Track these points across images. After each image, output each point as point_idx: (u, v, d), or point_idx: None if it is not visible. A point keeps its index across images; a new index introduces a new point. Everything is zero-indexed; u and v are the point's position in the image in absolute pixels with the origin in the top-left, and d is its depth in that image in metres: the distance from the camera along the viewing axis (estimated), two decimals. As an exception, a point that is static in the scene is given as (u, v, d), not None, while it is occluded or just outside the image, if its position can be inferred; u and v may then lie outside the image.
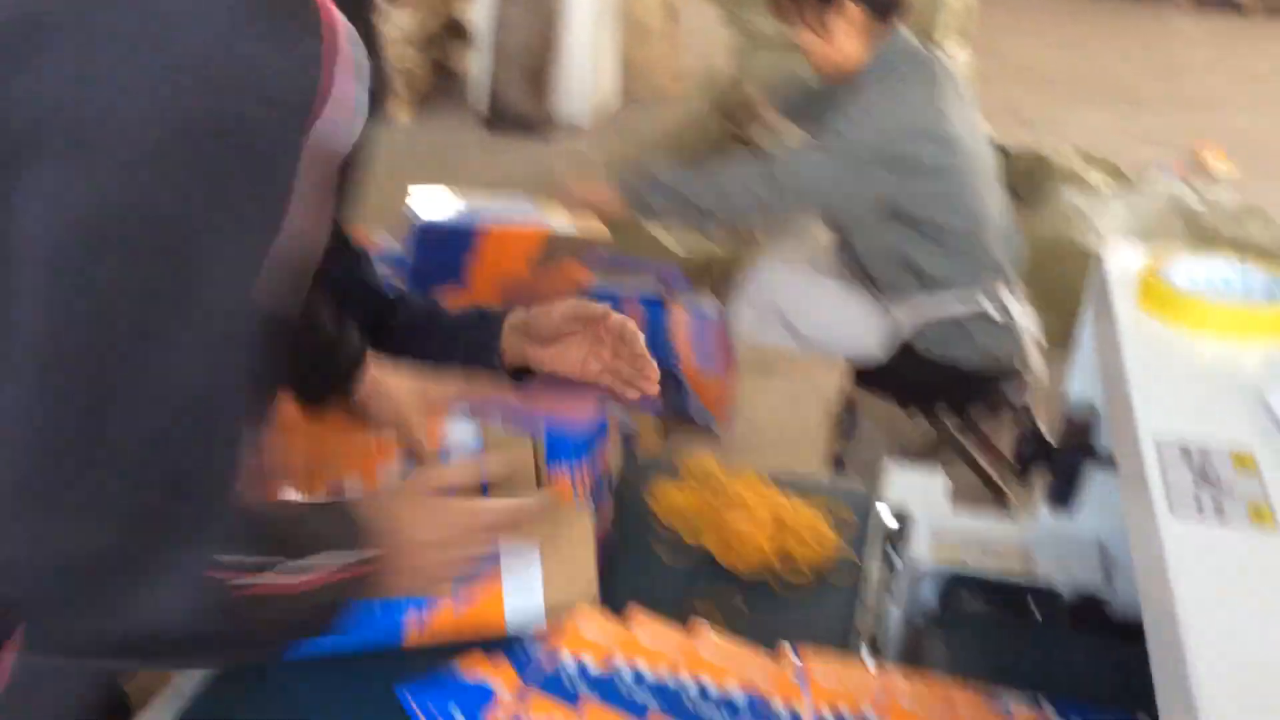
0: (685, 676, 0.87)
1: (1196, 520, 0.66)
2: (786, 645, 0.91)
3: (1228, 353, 0.86)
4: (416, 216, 1.78)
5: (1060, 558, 1.13)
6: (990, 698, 0.90)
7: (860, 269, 2.37)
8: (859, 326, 2.36)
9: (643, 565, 1.25)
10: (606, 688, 0.87)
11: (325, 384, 1.14)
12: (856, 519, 1.33)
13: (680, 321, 1.77)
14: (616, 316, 1.26)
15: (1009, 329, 2.34)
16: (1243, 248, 3.77)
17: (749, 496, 1.34)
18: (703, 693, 0.86)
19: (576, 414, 1.15)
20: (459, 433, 1.13)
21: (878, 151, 2.14)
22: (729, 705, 0.86)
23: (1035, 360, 2.45)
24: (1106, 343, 0.94)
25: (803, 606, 1.21)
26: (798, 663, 0.90)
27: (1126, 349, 0.84)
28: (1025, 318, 2.38)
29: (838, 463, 2.44)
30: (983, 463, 2.74)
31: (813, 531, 1.29)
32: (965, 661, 1.07)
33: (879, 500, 1.33)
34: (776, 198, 2.17)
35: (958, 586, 1.15)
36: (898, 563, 1.24)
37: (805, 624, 1.18)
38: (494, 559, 1.03)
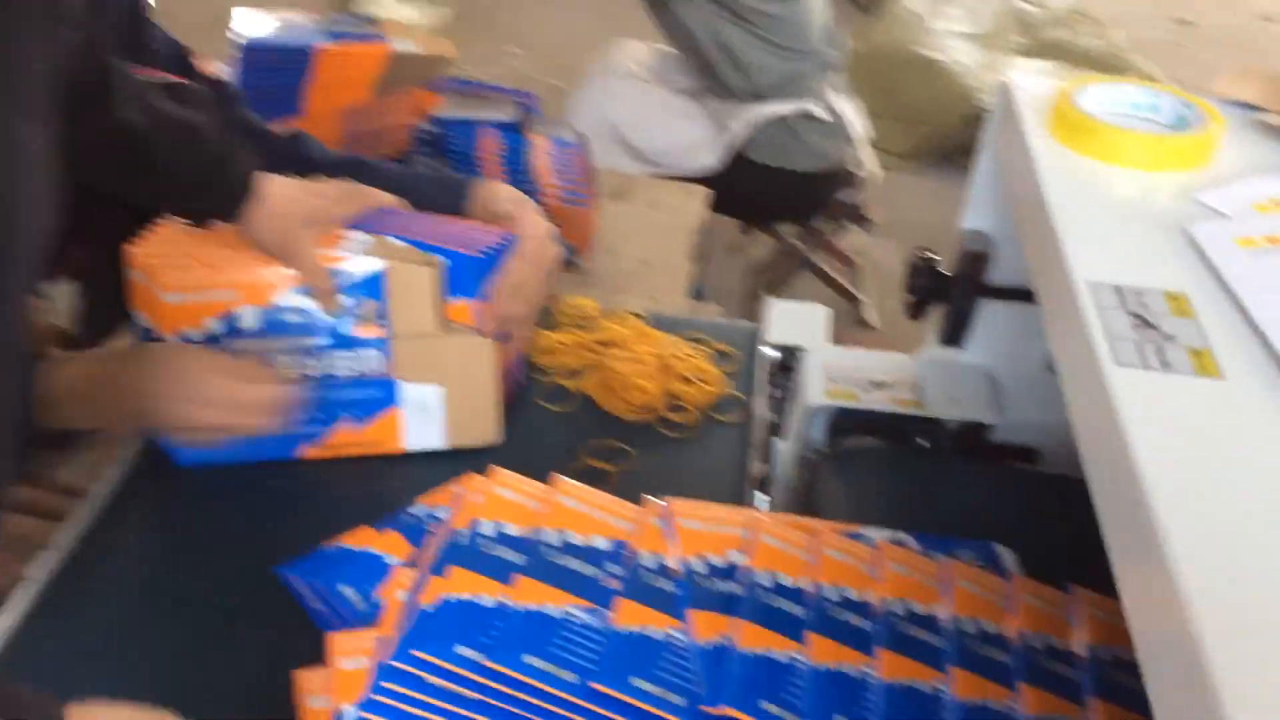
0: (549, 531, 0.81)
1: (1142, 370, 0.64)
2: (648, 497, 0.87)
3: (1146, 184, 0.84)
4: (242, 37, 1.60)
5: (949, 389, 1.13)
6: (854, 535, 0.89)
7: (686, 71, 2.36)
8: (693, 137, 2.36)
9: (522, 413, 1.19)
10: (469, 551, 0.81)
11: (212, 203, 1.00)
12: (741, 356, 1.30)
13: (541, 150, 1.66)
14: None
15: (837, 128, 2.38)
16: (1073, 53, 3.84)
17: (629, 338, 1.29)
18: (567, 546, 0.81)
19: (481, 239, 1.06)
20: (356, 250, 1.01)
21: None
22: (594, 555, 0.81)
23: (868, 158, 2.51)
24: (1017, 175, 0.90)
25: (691, 449, 1.18)
26: (663, 512, 0.86)
27: (1048, 185, 0.81)
28: (853, 115, 2.42)
29: (697, 293, 2.42)
30: (832, 273, 2.77)
31: (697, 371, 1.25)
32: (856, 495, 1.07)
33: (762, 337, 1.30)
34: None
35: (846, 421, 1.14)
36: (788, 400, 1.22)
37: (695, 467, 1.16)
38: (390, 387, 1.03)
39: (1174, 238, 0.77)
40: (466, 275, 1.02)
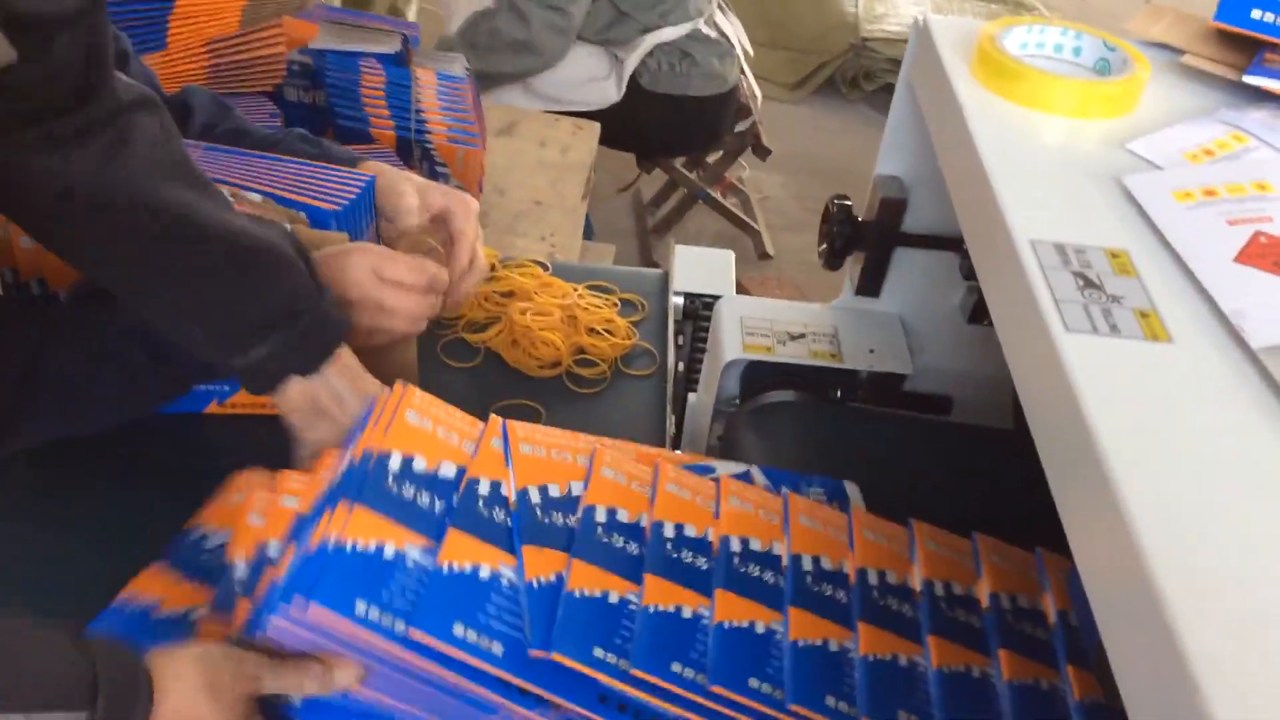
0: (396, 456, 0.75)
1: (1093, 335, 0.62)
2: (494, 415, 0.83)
3: (1075, 132, 0.82)
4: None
5: (865, 340, 1.11)
6: (699, 468, 0.86)
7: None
8: (591, 70, 2.30)
9: (426, 370, 1.13)
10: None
11: None
12: (648, 304, 1.26)
13: (426, 85, 1.57)
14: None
15: (727, 47, 2.36)
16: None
17: (532, 288, 1.24)
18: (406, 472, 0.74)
19: (336, 186, 0.99)
20: None
21: None
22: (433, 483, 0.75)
23: (752, 79, 2.51)
24: (942, 121, 0.87)
25: (604, 404, 1.14)
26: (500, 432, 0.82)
27: (979, 135, 0.78)
28: (739, 34, 2.42)
29: (586, 231, 2.37)
30: (727, 205, 2.74)
31: (605, 323, 1.20)
32: (774, 449, 1.05)
33: (672, 287, 1.26)
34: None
35: (762, 373, 1.11)
36: (700, 351, 1.19)
37: (609, 423, 1.11)
38: None
39: (1108, 190, 0.75)
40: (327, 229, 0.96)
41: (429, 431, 0.76)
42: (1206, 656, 0.44)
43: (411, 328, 0.94)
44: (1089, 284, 0.66)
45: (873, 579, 0.81)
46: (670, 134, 2.46)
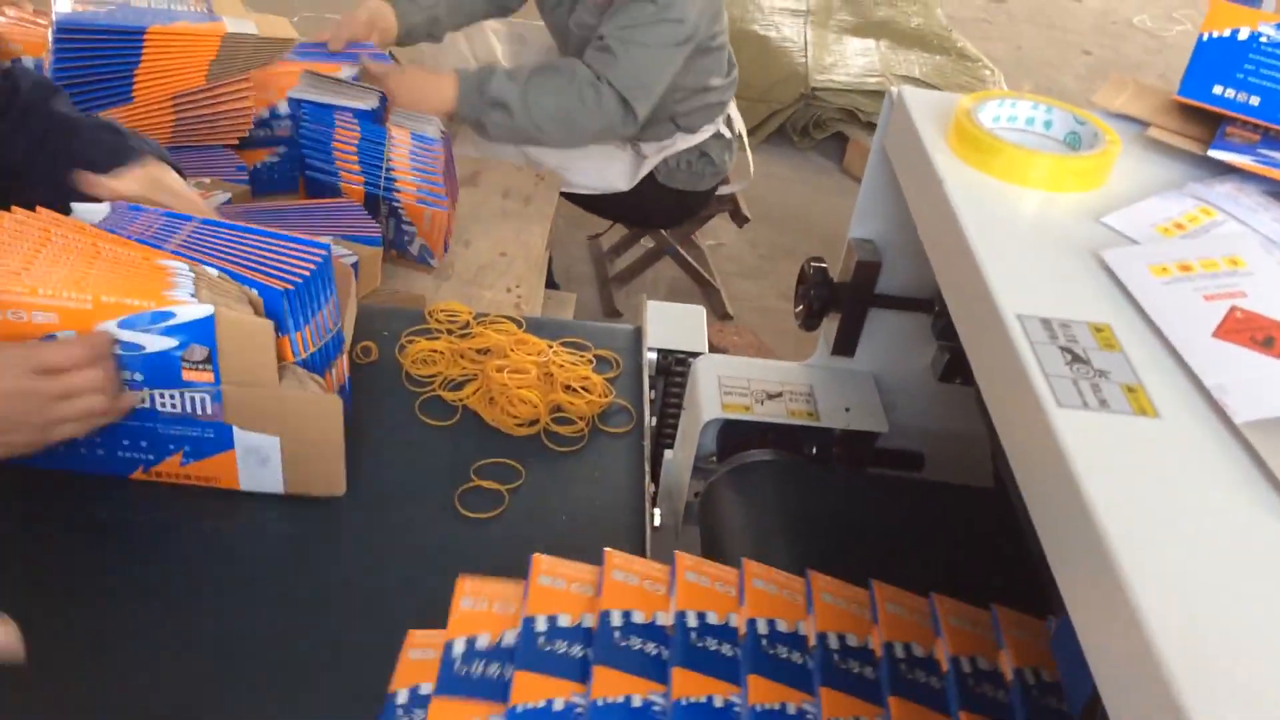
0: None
1: (1083, 411, 0.64)
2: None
3: (1050, 206, 0.84)
4: (55, 14, 1.46)
5: (840, 398, 1.13)
6: None
7: None
8: (605, 163, 2.25)
9: (404, 429, 1.13)
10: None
11: None
12: (623, 362, 1.27)
13: (400, 144, 1.58)
14: None
15: (735, 140, 2.36)
16: (899, 31, 3.94)
17: (507, 344, 1.24)
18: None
19: (295, 262, 0.96)
20: (184, 286, 0.92)
21: (691, 33, 1.99)
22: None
23: (749, 161, 2.51)
24: (920, 192, 0.90)
25: (582, 463, 1.14)
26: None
27: (960, 209, 0.80)
28: (740, 121, 2.41)
29: (550, 282, 2.38)
30: (694, 263, 2.77)
31: (581, 380, 1.21)
32: (754, 507, 1.06)
33: (646, 343, 1.27)
34: (618, 113, 1.97)
35: (740, 430, 1.13)
36: (674, 407, 1.20)
37: (589, 483, 1.12)
38: (225, 431, 0.96)
39: (1087, 263, 0.78)
40: (278, 311, 0.93)
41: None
42: (1200, 700, 0.47)
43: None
44: (1076, 359, 0.68)
45: (833, 642, 0.82)
46: (664, 218, 2.46)
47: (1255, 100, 0.89)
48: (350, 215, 1.48)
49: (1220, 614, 0.52)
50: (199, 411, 0.94)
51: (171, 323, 0.89)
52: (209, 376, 0.92)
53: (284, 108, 1.63)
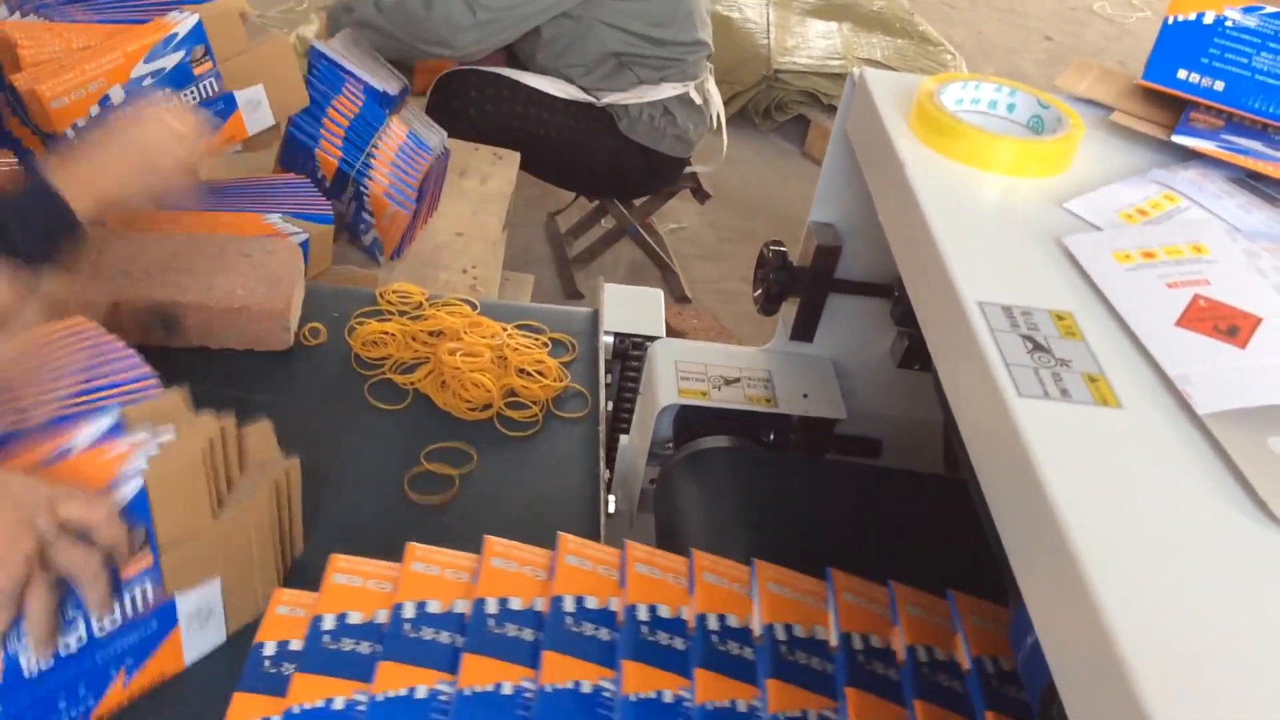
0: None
1: (1044, 401, 0.62)
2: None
3: (1013, 191, 0.83)
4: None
5: (798, 384, 1.11)
6: None
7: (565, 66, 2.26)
8: (565, 85, 2.27)
9: (355, 413, 1.10)
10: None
11: None
12: (579, 346, 1.24)
13: (393, 136, 1.55)
14: None
15: (704, 113, 2.36)
16: (860, 14, 3.93)
17: (460, 327, 1.21)
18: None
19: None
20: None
21: None
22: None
23: (723, 143, 2.50)
24: (882, 176, 0.88)
25: (536, 448, 1.12)
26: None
27: (923, 195, 0.79)
28: (717, 99, 2.41)
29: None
30: (653, 244, 2.75)
31: (535, 364, 1.19)
32: (711, 494, 1.05)
33: (603, 326, 1.25)
34: (489, 28, 2.03)
35: (697, 417, 1.11)
36: (630, 392, 1.18)
37: (543, 468, 1.10)
38: (167, 610, 0.78)
39: (1049, 250, 0.76)
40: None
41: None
42: (1157, 691, 0.46)
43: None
44: (1037, 347, 0.67)
45: (780, 634, 0.80)
46: (625, 180, 2.44)
47: (1220, 85, 0.88)
48: (300, 192, 1.44)
49: (1179, 606, 0.51)
50: (139, 608, 0.76)
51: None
52: (148, 560, 0.75)
53: (118, 94, 1.28)
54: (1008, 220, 0.79)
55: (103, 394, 0.81)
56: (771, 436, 1.10)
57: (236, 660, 0.78)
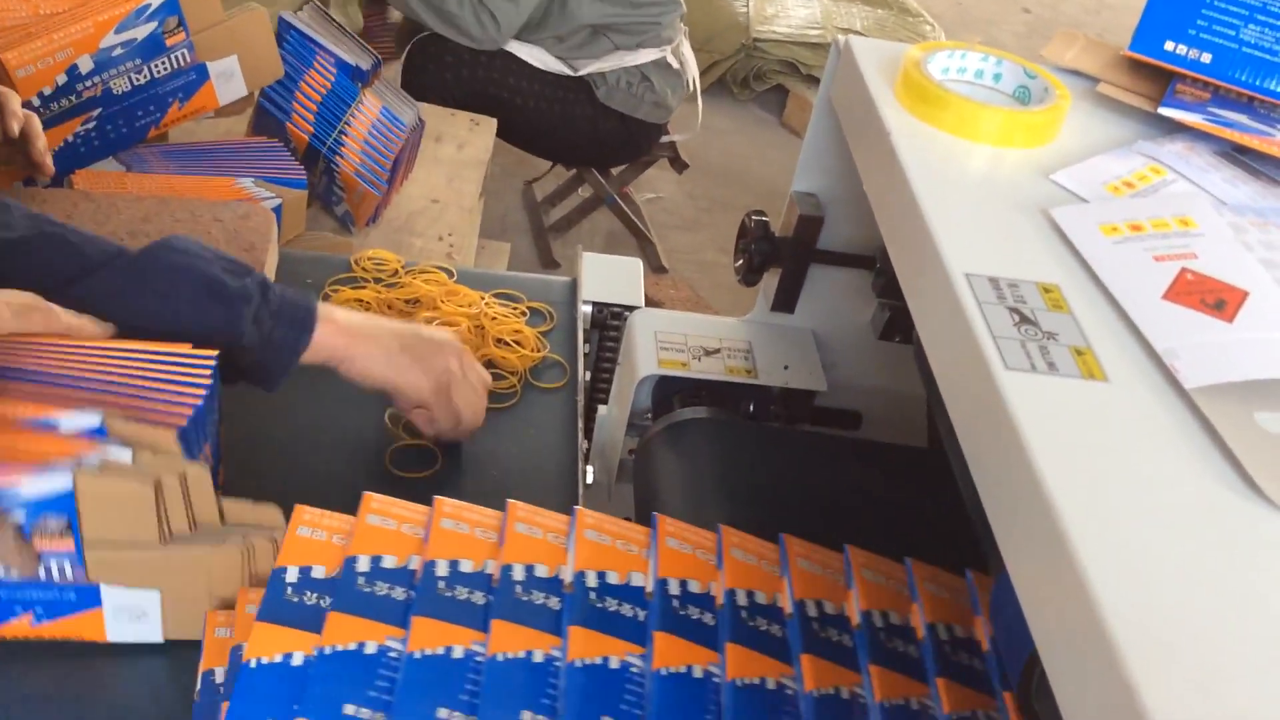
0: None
1: (1031, 374, 0.62)
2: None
3: (999, 162, 0.82)
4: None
5: (779, 355, 1.11)
6: None
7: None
8: (543, 55, 2.27)
9: (327, 382, 1.09)
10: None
11: None
12: (557, 315, 1.23)
13: (367, 112, 1.52)
14: None
15: (680, 77, 2.35)
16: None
17: (437, 295, 1.20)
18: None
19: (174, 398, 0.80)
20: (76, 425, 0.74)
21: None
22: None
23: (699, 110, 2.49)
24: (867, 146, 0.87)
25: (514, 419, 1.11)
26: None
27: (910, 166, 0.78)
28: (692, 64, 2.40)
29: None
30: (630, 214, 2.73)
31: (513, 333, 1.17)
32: (690, 466, 1.04)
33: (581, 296, 1.24)
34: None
35: (677, 388, 1.10)
36: (610, 363, 1.17)
37: (521, 439, 1.09)
38: (90, 591, 0.76)
39: (1035, 221, 0.76)
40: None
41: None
42: (1142, 663, 0.46)
43: None
44: (1024, 320, 0.66)
45: (741, 599, 0.78)
46: (603, 148, 2.43)
47: (1207, 57, 0.87)
48: (273, 156, 1.42)
49: (1165, 579, 0.51)
50: (56, 576, 0.75)
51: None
52: (69, 545, 0.74)
53: (86, 64, 1.26)
54: (994, 191, 0.78)
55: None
56: (751, 408, 1.09)
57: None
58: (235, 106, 1.44)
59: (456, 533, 0.78)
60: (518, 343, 1.17)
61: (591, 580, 0.76)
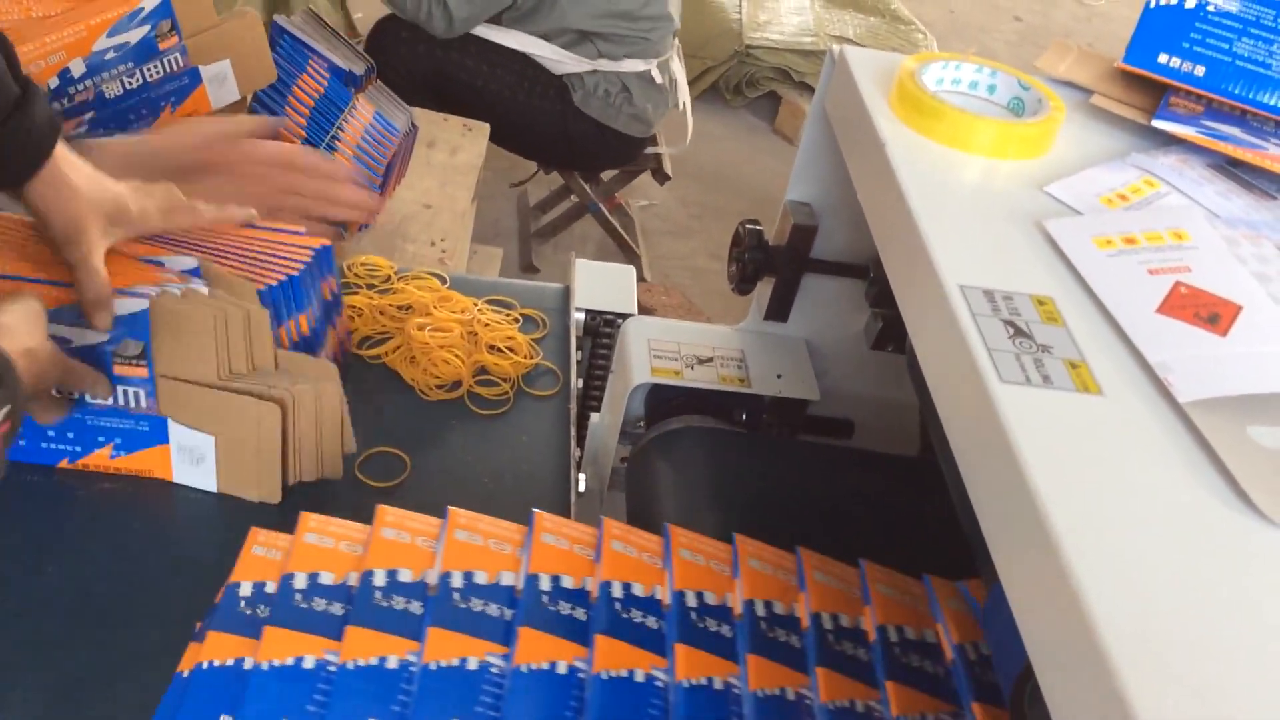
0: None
1: (1026, 387, 0.62)
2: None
3: (993, 173, 0.82)
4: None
5: (772, 364, 1.10)
6: None
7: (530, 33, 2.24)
8: (530, 43, 2.26)
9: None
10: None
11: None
12: (550, 322, 1.23)
13: (359, 118, 1.51)
14: (270, 147, 1.02)
15: (664, 92, 2.35)
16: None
17: (430, 301, 1.19)
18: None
19: (282, 258, 0.92)
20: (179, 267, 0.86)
21: None
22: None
23: (688, 126, 2.49)
24: (862, 156, 0.87)
25: (506, 427, 1.11)
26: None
27: (904, 178, 0.78)
28: (682, 80, 2.39)
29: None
30: (615, 224, 2.73)
31: (506, 340, 1.17)
32: (683, 475, 1.04)
33: (574, 303, 1.23)
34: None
35: (670, 396, 1.10)
36: (602, 371, 1.17)
37: (512, 448, 1.08)
38: (160, 424, 0.87)
39: (1030, 234, 0.76)
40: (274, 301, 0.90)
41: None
42: (1136, 676, 0.46)
43: None
44: (1019, 332, 0.66)
45: (760, 610, 0.79)
46: (575, 149, 2.42)
47: (1200, 70, 0.88)
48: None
49: (1158, 591, 0.51)
50: (132, 405, 0.87)
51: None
52: (143, 371, 0.85)
53: (78, 67, 1.26)
54: (988, 203, 0.78)
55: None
56: (744, 417, 1.09)
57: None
58: (228, 111, 1.43)
59: (398, 542, 0.78)
60: (510, 349, 1.16)
61: (545, 584, 0.76)
